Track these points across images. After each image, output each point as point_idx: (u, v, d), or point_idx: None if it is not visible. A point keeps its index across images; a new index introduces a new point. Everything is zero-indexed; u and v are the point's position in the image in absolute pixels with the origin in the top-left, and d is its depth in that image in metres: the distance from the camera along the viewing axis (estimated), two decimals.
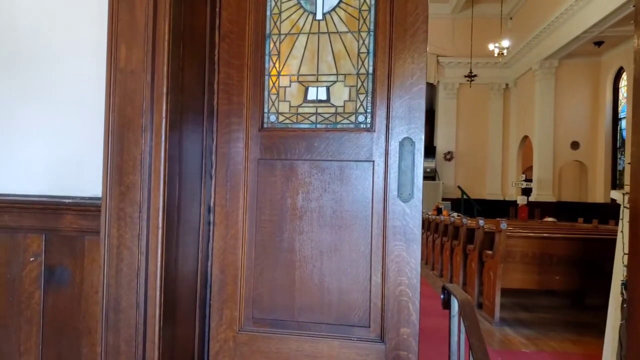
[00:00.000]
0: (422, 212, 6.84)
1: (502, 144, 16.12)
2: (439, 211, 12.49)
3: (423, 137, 1.99)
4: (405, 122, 2.00)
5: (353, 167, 2.03)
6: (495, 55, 12.63)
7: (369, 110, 2.05)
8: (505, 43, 12.15)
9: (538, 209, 13.05)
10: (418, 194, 1.99)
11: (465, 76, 14.05)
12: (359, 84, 2.05)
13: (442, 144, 16.71)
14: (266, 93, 2.10)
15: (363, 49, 2.05)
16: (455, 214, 13.01)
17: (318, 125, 2.08)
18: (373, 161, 2.02)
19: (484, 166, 16.27)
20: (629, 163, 1.95)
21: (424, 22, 1.98)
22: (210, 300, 2.08)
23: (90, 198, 1.71)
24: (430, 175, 16.43)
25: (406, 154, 1.99)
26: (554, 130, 13.16)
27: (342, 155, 2.04)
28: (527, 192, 14.10)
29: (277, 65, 2.10)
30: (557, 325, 3.97)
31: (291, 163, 2.06)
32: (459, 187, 15.86)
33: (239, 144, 2.08)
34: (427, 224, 8.18)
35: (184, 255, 1.83)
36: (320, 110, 2.08)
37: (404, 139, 1.99)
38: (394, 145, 2.00)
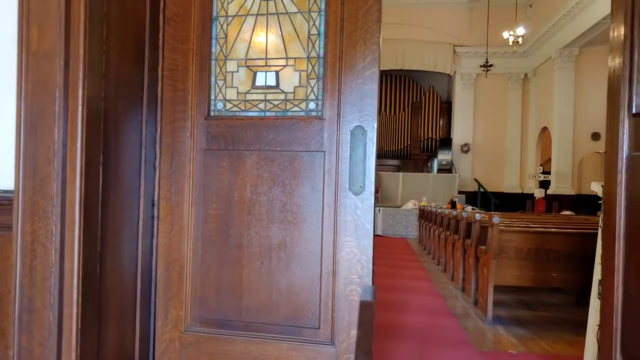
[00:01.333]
0: (436, 206, 6.64)
1: (521, 135, 15.67)
2: (453, 205, 12.23)
3: (375, 125, 1.84)
4: (357, 109, 1.85)
5: (303, 157, 1.90)
6: (510, 43, 12.22)
7: (319, 97, 1.90)
8: (520, 31, 11.74)
9: (556, 202, 12.62)
10: (370, 187, 1.84)
11: (481, 66, 13.65)
12: (310, 68, 1.91)
13: (458, 136, 16.35)
14: (213, 79, 1.97)
15: (314, 31, 1.90)
16: (469, 208, 12.75)
17: (267, 113, 1.95)
18: (324, 151, 1.88)
19: (502, 158, 15.86)
20: (604, 152, 1.77)
21: (377, 1, 1.82)
22: (155, 299, 1.97)
23: (4, 191, 1.62)
24: (446, 168, 16.12)
25: (358, 144, 1.84)
26: (573, 121, 12.70)
27: (292, 145, 1.91)
28: (545, 185, 13.69)
29: (224, 49, 1.97)
30: (555, 324, 3.77)
31: (239, 154, 1.94)
32: (475, 180, 15.51)
33: (184, 134, 1.96)
34: (433, 217, 7.98)
35: (118, 252, 1.73)
36: (269, 96, 1.95)
37: (356, 127, 1.85)
38: (346, 134, 1.86)
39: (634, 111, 1.61)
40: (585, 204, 12.00)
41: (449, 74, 16.40)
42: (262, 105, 1.95)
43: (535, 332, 3.51)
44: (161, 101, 1.96)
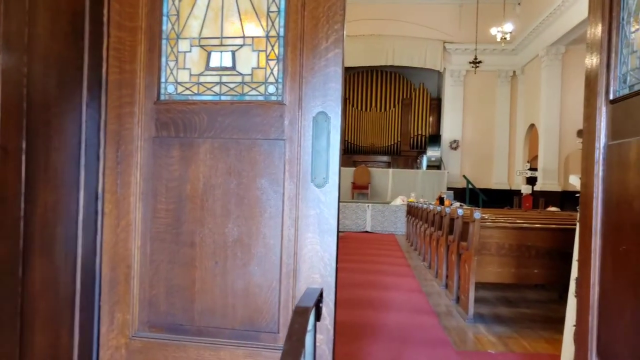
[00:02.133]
0: (424, 202, 6.52)
1: (509, 132, 15.65)
2: (441, 201, 12.14)
3: (340, 111, 1.69)
4: (320, 94, 1.70)
5: (262, 146, 1.74)
6: (499, 40, 12.13)
7: (279, 80, 1.74)
8: (509, 27, 11.66)
9: (543, 199, 12.62)
10: (334, 178, 1.69)
11: (470, 62, 13.56)
12: (269, 48, 1.75)
13: (448, 132, 16.29)
14: (163, 60, 1.81)
15: (273, 7, 1.74)
16: (457, 204, 12.68)
17: (222, 97, 1.78)
18: (285, 140, 1.72)
19: (490, 155, 15.83)
20: (581, 142, 1.63)
21: None
22: (99, 302, 1.81)
23: None
24: (435, 165, 16.06)
25: (321, 132, 1.69)
26: (560, 118, 12.67)
27: (250, 133, 1.75)
28: (532, 181, 13.66)
29: (175, 27, 1.80)
30: (536, 321, 3.66)
31: (191, 142, 1.77)
32: (464, 176, 15.46)
33: (131, 120, 1.79)
34: (419, 214, 7.86)
35: (50, 251, 1.55)
36: (225, 79, 1.78)
37: (319, 113, 1.69)
38: (308, 121, 1.70)
39: (611, 97, 1.48)
40: (570, 200, 11.97)
41: (439, 71, 16.32)
42: (216, 89, 1.78)
43: (516, 330, 3.40)
44: (106, 84, 1.78)
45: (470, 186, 15.03)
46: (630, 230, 1.30)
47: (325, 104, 1.69)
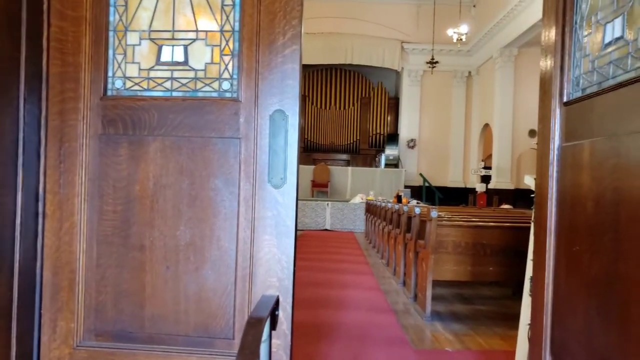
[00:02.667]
0: (383, 200, 6.55)
1: (464, 131, 16.05)
2: (399, 199, 12.30)
3: (298, 109, 1.64)
4: (277, 92, 1.64)
5: (216, 145, 1.67)
6: (455, 41, 12.40)
7: (235, 76, 1.68)
8: (464, 29, 11.93)
9: (496, 196, 13.01)
10: (292, 179, 1.64)
11: (427, 62, 13.81)
12: (224, 43, 1.68)
13: (405, 131, 16.53)
14: (110, 52, 1.70)
15: (228, 1, 1.67)
16: (414, 202, 12.89)
17: (174, 93, 1.70)
18: (240, 138, 1.66)
19: (446, 154, 16.18)
20: (537, 144, 1.65)
21: None
22: (40, 309, 1.69)
23: None
24: (393, 163, 16.27)
25: (278, 130, 1.63)
26: (512, 118, 13.10)
27: (203, 131, 1.67)
28: (486, 179, 14.06)
29: (123, 19, 1.70)
30: (490, 318, 3.73)
31: (140, 140, 1.68)
32: (420, 174, 15.74)
33: (75, 116, 1.68)
34: (378, 211, 7.93)
35: None
36: (176, 74, 1.70)
37: (276, 111, 1.64)
38: (264, 119, 1.65)
39: (565, 100, 1.50)
40: (522, 197, 12.38)
41: (397, 70, 16.52)
42: (168, 84, 1.70)
43: (472, 327, 3.46)
44: (47, 77, 1.67)
45: (426, 184, 15.33)
46: (584, 231, 1.32)
47: (283, 101, 1.64)
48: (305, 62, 16.90)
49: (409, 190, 14.11)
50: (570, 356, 1.39)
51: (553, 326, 1.52)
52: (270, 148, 1.63)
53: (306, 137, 17.50)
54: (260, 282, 1.65)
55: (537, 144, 1.63)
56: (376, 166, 16.68)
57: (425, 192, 15.21)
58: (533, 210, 1.76)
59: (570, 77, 1.48)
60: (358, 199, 12.62)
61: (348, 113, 17.70)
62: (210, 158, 1.67)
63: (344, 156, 17.75)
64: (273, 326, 1.50)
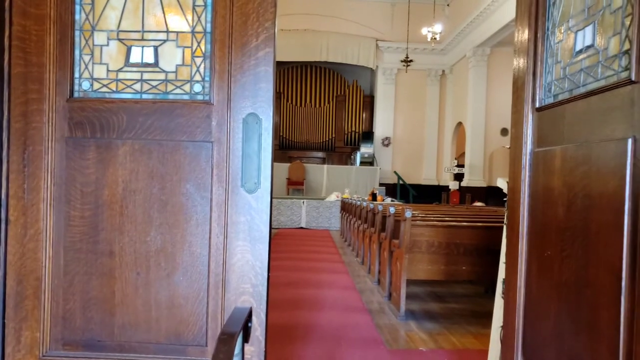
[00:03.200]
0: (358, 198, 6.57)
1: (438, 130, 16.24)
2: (374, 196, 12.38)
3: (272, 113, 1.61)
4: (250, 95, 1.62)
5: (188, 148, 1.63)
6: (429, 40, 12.52)
7: (207, 78, 1.64)
8: (438, 28, 12.05)
9: (469, 194, 13.21)
10: (266, 184, 1.62)
11: (402, 61, 13.91)
12: (195, 44, 1.64)
13: (380, 129, 16.63)
14: (77, 53, 1.65)
15: (199, 1, 1.63)
16: (389, 199, 12.98)
17: (144, 96, 1.66)
18: (212, 142, 1.63)
19: (420, 152, 16.34)
20: (508, 147, 1.67)
21: None
22: (4, 319, 1.63)
23: None
24: (368, 161, 16.36)
25: (251, 134, 1.61)
26: (485, 117, 13.32)
27: (174, 134, 1.63)
28: (460, 177, 14.27)
29: (90, 17, 1.65)
30: (464, 316, 3.79)
31: (109, 143, 1.63)
32: (395, 172, 15.87)
33: (40, 118, 1.62)
34: (353, 210, 7.95)
35: None
36: (146, 76, 1.65)
37: (249, 115, 1.61)
38: (237, 123, 1.62)
39: (537, 105, 1.51)
40: (494, 195, 12.62)
41: (371, 68, 16.59)
42: (137, 86, 1.65)
43: (445, 325, 3.49)
44: (9, 77, 1.60)
45: (401, 182, 15.46)
46: (555, 236, 1.34)
47: (256, 104, 1.61)
48: (280, 58, 16.79)
49: (383, 188, 14.21)
50: (541, 358, 1.41)
51: (525, 328, 1.54)
52: (243, 152, 1.61)
53: (281, 134, 17.44)
54: (234, 288, 1.62)
55: (509, 147, 1.65)
56: (351, 164, 16.74)
57: (400, 190, 15.35)
58: (506, 212, 1.78)
59: (542, 83, 1.50)
60: (333, 197, 12.64)
61: (323, 111, 17.70)
62: (181, 162, 1.63)
63: (320, 154, 17.76)
64: (246, 338, 1.48)
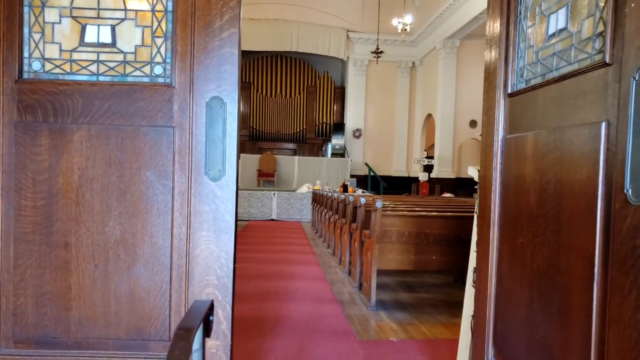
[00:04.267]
0: (329, 189, 6.51)
1: (408, 121, 16.35)
2: (345, 188, 12.39)
3: (237, 96, 1.54)
4: (214, 77, 1.54)
5: (148, 134, 1.55)
6: (399, 31, 12.53)
7: (168, 60, 1.56)
8: (409, 19, 12.07)
9: (438, 185, 13.38)
10: (231, 171, 1.55)
11: (372, 52, 13.89)
12: (156, 24, 1.55)
13: (351, 121, 16.63)
14: (26, 30, 1.53)
15: None
16: (360, 191, 13.02)
17: (101, 78, 1.56)
18: (174, 127, 1.55)
19: (391, 143, 16.43)
20: (480, 134, 1.65)
21: None
22: None
23: None
24: (339, 152, 16.36)
25: (215, 119, 1.53)
26: (454, 108, 13.46)
27: (134, 119, 1.54)
28: (429, 169, 14.42)
29: None
30: (434, 306, 3.80)
31: (63, 128, 1.53)
32: (366, 164, 15.92)
33: None
34: (324, 201, 7.92)
35: None
36: (103, 57, 1.55)
37: (213, 98, 1.53)
38: (201, 107, 1.54)
39: (509, 91, 1.49)
40: (463, 186, 12.83)
41: (342, 59, 16.53)
42: (93, 68, 1.55)
43: (416, 315, 3.50)
44: None
45: (372, 173, 15.53)
46: (526, 223, 1.32)
47: (221, 88, 1.53)
48: (249, 48, 16.49)
49: (354, 179, 14.23)
50: (512, 347, 1.40)
51: (496, 317, 1.52)
52: (207, 138, 1.53)
53: (252, 125, 17.25)
54: (198, 281, 1.55)
55: (481, 135, 1.62)
56: (323, 155, 16.71)
57: (371, 182, 15.41)
58: (476, 200, 1.76)
59: (514, 68, 1.47)
60: (305, 189, 12.60)
61: (294, 101, 17.58)
62: (141, 148, 1.55)
63: (291, 145, 17.65)
64: (207, 333, 1.41)
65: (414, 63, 16.06)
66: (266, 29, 15.49)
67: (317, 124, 17.56)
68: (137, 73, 1.56)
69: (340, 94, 17.59)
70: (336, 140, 16.60)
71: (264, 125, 17.39)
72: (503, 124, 1.51)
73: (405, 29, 11.99)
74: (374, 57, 13.94)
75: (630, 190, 0.92)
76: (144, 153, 1.55)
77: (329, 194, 7.50)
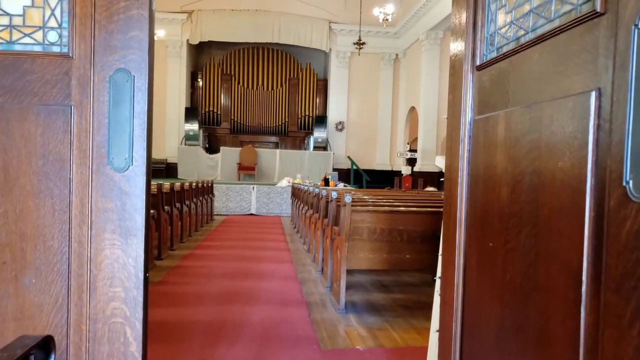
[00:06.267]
0: (310, 183, 6.23)
1: (392, 114, 16.14)
2: (326, 182, 12.13)
3: (147, 68, 1.26)
4: (120, 45, 1.25)
5: (40, 114, 1.26)
6: (381, 21, 12.26)
7: (64, 25, 1.26)
8: (390, 8, 11.80)
9: (421, 179, 13.19)
10: (140, 160, 1.27)
11: (354, 43, 13.61)
12: None
13: (333, 114, 16.37)
14: None
15: None
16: (341, 185, 12.79)
17: None
18: (71, 105, 1.26)
19: (374, 137, 16.21)
20: (445, 117, 1.39)
21: None
22: None
23: None
24: (322, 146, 16.09)
25: (121, 96, 1.25)
26: (438, 101, 13.27)
27: (23, 96, 1.25)
28: (412, 162, 14.24)
29: None
30: (408, 308, 3.56)
31: None
32: (348, 157, 15.68)
33: None
34: (302, 195, 7.66)
35: None
36: None
37: (118, 71, 1.25)
38: (103, 82, 1.25)
39: (477, 63, 1.23)
40: None
41: (325, 51, 16.24)
42: None
43: (388, 319, 3.26)
44: None
45: (354, 167, 15.29)
46: (497, 224, 1.06)
47: (127, 58, 1.25)
48: (230, 39, 16.20)
49: (336, 173, 14.00)
50: None
51: (463, 335, 1.27)
52: (110, 119, 1.25)
53: (233, 118, 16.90)
54: (102, 293, 1.28)
55: (447, 117, 1.36)
56: (305, 149, 16.43)
57: (354, 175, 15.18)
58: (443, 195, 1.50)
59: (484, 36, 1.21)
60: (285, 182, 12.31)
61: (276, 94, 17.24)
62: (31, 132, 1.26)
63: (273, 138, 17.34)
64: None
65: (397, 55, 15.83)
66: (247, 19, 15.14)
67: (299, 116, 17.26)
68: (27, 40, 1.27)
69: (322, 86, 17.30)
70: (318, 134, 16.32)
71: (246, 118, 17.04)
72: (471, 103, 1.25)
73: (387, 19, 11.72)
74: (356, 48, 13.67)
75: (631, 183, 0.66)
76: (36, 137, 1.26)
77: (306, 188, 7.23)
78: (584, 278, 0.75)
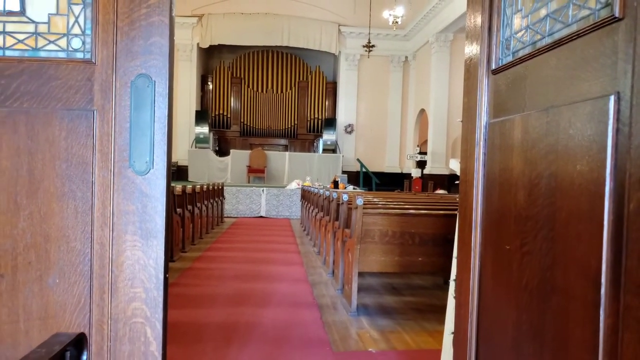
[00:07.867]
0: (319, 185, 6.26)
1: (401, 117, 16.13)
2: (335, 184, 12.15)
3: (167, 74, 1.29)
4: (141, 51, 1.28)
5: (64, 119, 1.29)
6: (390, 23, 12.26)
7: (87, 32, 1.30)
8: (400, 11, 11.80)
9: (431, 182, 13.16)
10: (161, 164, 1.29)
11: (364, 46, 13.63)
12: None
13: (343, 116, 16.39)
14: None
15: None
16: (351, 187, 12.79)
17: (7, 52, 1.30)
18: (94, 110, 1.29)
19: (383, 139, 16.21)
20: (460, 120, 1.40)
21: None
22: None
23: None
24: (331, 148, 16.11)
25: (142, 101, 1.28)
26: (448, 103, 13.24)
27: (47, 101, 1.29)
28: (422, 164, 14.21)
29: None
30: (420, 311, 3.56)
31: None
32: (358, 159, 15.68)
33: None
34: (312, 198, 7.67)
35: None
36: (10, 27, 1.30)
37: (139, 76, 1.28)
38: (125, 87, 1.28)
39: (493, 67, 1.24)
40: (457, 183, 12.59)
41: (334, 54, 16.28)
42: None
43: (400, 322, 3.26)
44: None
45: (364, 170, 15.29)
46: (514, 227, 1.07)
47: (149, 63, 1.28)
48: (240, 43, 16.31)
49: (345, 175, 14.00)
50: None
51: (479, 338, 1.28)
52: (132, 123, 1.27)
53: (242, 121, 16.99)
54: (123, 293, 1.30)
55: (462, 121, 1.37)
56: (314, 151, 16.46)
57: (363, 178, 15.18)
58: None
59: (499, 40, 1.22)
60: (294, 185, 12.34)
61: (285, 97, 17.31)
62: (55, 136, 1.29)
63: (282, 141, 17.39)
64: None
65: (406, 57, 15.82)
66: (257, 23, 15.22)
67: (308, 119, 17.30)
68: (52, 47, 1.30)
69: (332, 89, 17.33)
70: (328, 136, 16.34)
71: (255, 121, 17.12)
72: (487, 107, 1.26)
73: (397, 22, 11.73)
74: (366, 51, 13.68)
75: None
76: (59, 141, 1.29)
77: (316, 190, 7.25)
78: (603, 281, 0.76)
